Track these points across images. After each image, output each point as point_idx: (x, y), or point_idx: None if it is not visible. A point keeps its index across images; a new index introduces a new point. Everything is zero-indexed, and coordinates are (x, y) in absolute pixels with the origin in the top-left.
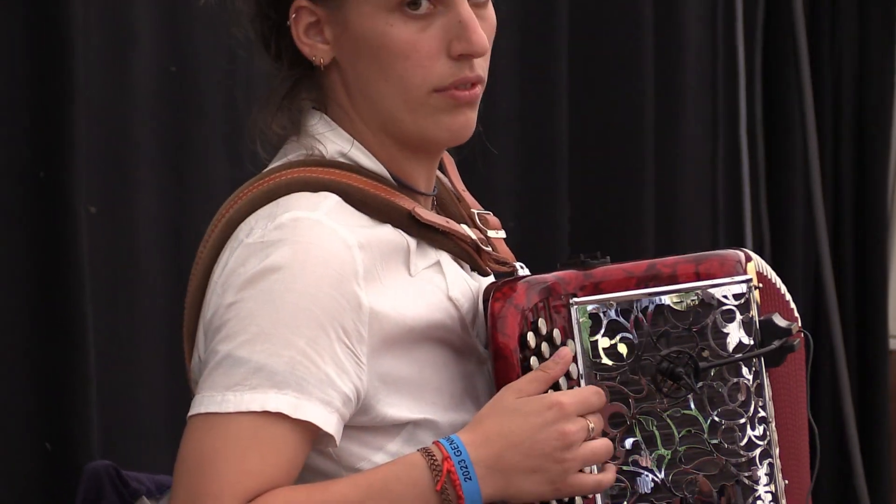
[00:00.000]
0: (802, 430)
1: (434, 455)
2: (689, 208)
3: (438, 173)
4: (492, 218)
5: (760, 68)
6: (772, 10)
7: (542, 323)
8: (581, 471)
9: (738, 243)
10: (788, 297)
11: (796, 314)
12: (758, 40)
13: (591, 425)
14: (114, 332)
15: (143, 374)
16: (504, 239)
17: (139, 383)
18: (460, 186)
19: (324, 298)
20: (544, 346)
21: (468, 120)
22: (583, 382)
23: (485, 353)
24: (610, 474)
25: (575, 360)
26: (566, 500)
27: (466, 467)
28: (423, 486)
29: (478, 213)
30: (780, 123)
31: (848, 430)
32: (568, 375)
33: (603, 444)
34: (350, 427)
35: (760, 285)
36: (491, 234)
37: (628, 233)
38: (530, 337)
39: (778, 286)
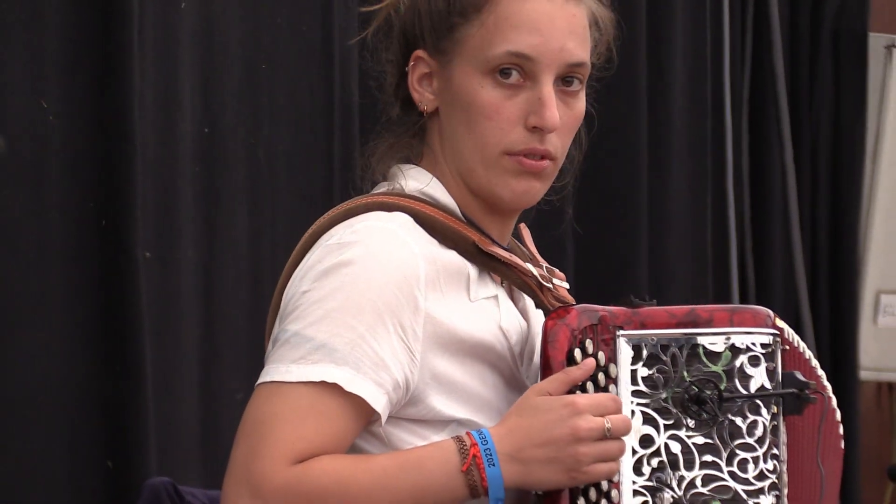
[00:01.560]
0: (811, 480)
1: (464, 441)
2: (680, 255)
3: (513, 240)
4: (558, 272)
5: (746, 129)
6: (756, 76)
7: (589, 344)
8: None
9: (725, 286)
10: (815, 363)
11: (824, 381)
12: (744, 103)
13: (608, 425)
14: (166, 363)
15: (186, 401)
16: (567, 289)
17: (188, 408)
18: (534, 250)
19: (386, 294)
20: (599, 375)
21: (531, 187)
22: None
23: (529, 385)
24: (616, 465)
25: (615, 382)
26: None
27: (491, 455)
28: (451, 466)
29: (545, 266)
30: (763, 178)
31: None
32: (597, 383)
33: (616, 443)
34: (402, 418)
35: (786, 347)
36: (556, 281)
37: (625, 278)
38: (577, 353)
39: (802, 351)
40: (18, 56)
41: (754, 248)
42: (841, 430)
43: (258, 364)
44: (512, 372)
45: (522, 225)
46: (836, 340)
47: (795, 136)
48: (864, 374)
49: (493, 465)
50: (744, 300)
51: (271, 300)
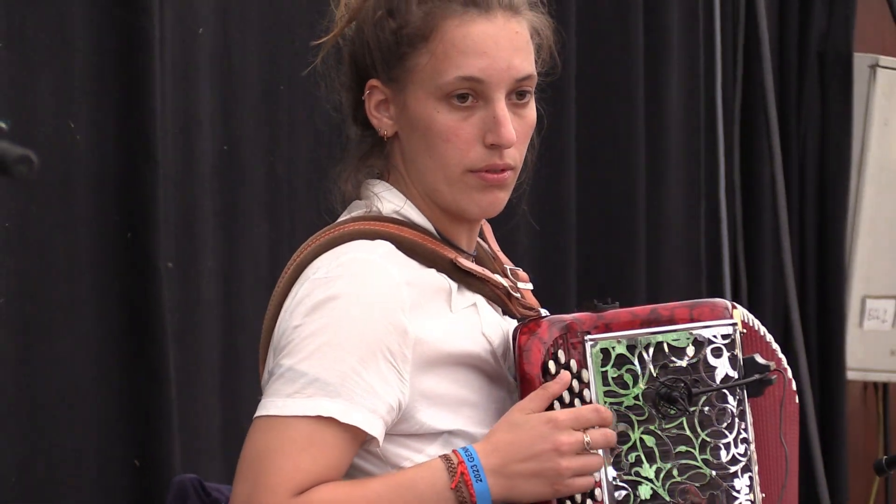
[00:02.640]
0: (776, 453)
1: (451, 460)
2: (675, 261)
3: (478, 239)
4: (521, 273)
5: (738, 142)
6: (747, 93)
7: (561, 354)
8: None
9: (718, 290)
10: (769, 338)
11: (779, 354)
12: (735, 118)
13: (588, 439)
14: (189, 367)
15: (208, 402)
16: (531, 290)
17: (211, 409)
18: (496, 247)
19: (374, 324)
20: (573, 382)
21: (496, 198)
22: (593, 403)
23: (514, 383)
24: (588, 481)
25: (588, 386)
26: (581, 501)
27: (478, 471)
28: (441, 485)
29: (510, 269)
30: (754, 188)
31: (812, 449)
32: (582, 399)
33: (595, 457)
34: (396, 434)
35: (745, 330)
36: (521, 285)
37: (624, 282)
38: (551, 365)
39: (760, 332)
40: (48, 81)
41: (746, 254)
42: (797, 400)
43: None
44: (495, 370)
45: (484, 223)
46: (824, 343)
47: (785, 150)
48: (850, 375)
49: (481, 480)
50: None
51: (271, 298)
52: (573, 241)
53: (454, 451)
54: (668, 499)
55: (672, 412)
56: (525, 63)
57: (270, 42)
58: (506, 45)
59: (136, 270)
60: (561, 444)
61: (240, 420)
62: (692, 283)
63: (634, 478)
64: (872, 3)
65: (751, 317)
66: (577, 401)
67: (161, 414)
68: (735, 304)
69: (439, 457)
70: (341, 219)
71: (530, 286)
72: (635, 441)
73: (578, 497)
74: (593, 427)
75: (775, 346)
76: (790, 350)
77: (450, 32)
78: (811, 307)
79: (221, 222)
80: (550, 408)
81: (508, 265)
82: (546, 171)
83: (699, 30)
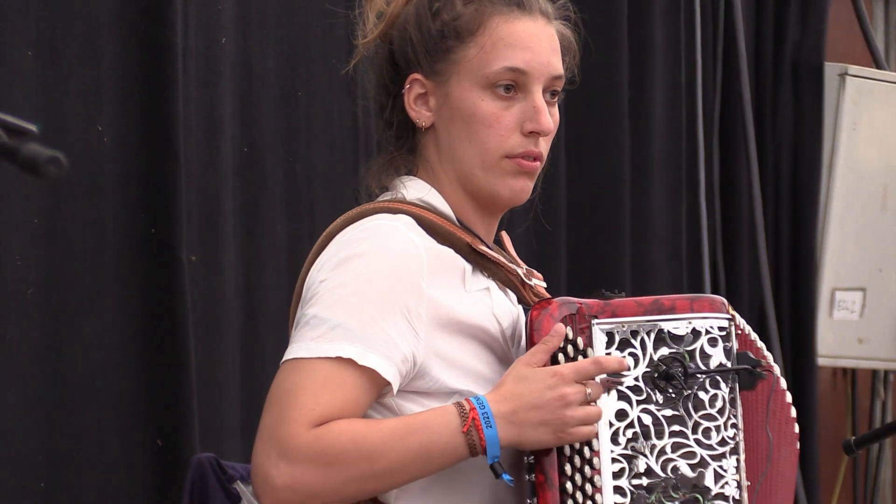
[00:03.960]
0: (761, 444)
1: (464, 406)
2: (659, 257)
3: (495, 245)
4: (536, 273)
5: (717, 147)
6: (726, 101)
7: (569, 331)
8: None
9: (698, 283)
10: (761, 344)
11: (770, 361)
12: (715, 124)
13: (589, 391)
14: (210, 353)
15: (228, 386)
16: (545, 288)
17: (230, 393)
18: (515, 255)
19: (393, 281)
20: (570, 348)
21: (525, 185)
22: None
23: None
24: (592, 429)
25: (580, 349)
26: (578, 467)
27: (488, 418)
28: (453, 427)
29: (526, 269)
30: (732, 189)
31: None
32: (572, 354)
33: (595, 408)
34: (410, 391)
35: (738, 332)
36: (535, 281)
37: (611, 275)
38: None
39: (751, 336)
40: (77, 87)
41: (724, 250)
42: (793, 413)
43: None
44: (504, 351)
45: (503, 233)
46: (797, 331)
47: (760, 153)
48: (821, 361)
49: (491, 426)
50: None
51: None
52: (563, 238)
53: (466, 399)
54: (661, 473)
55: (669, 390)
56: (559, 63)
57: (288, 50)
58: (546, 44)
59: (161, 264)
60: (566, 396)
61: (257, 404)
62: (674, 276)
63: (630, 452)
64: (842, 16)
65: (743, 321)
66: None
67: (182, 397)
68: (745, 310)
69: (453, 403)
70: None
71: (544, 284)
72: (633, 419)
73: (578, 462)
74: (593, 379)
75: (766, 352)
76: (766, 338)
77: (497, 28)
78: (785, 298)
79: (241, 219)
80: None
81: (524, 267)
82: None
83: (681, 42)
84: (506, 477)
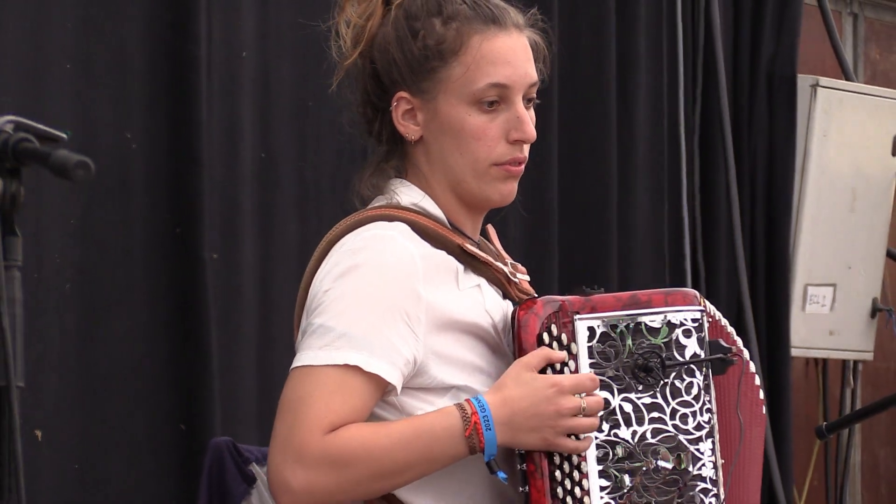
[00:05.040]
0: (734, 426)
1: (466, 410)
2: (643, 255)
3: (482, 238)
4: (520, 267)
5: (697, 152)
6: (705, 110)
7: (553, 328)
8: (569, 436)
9: (680, 280)
10: (730, 329)
11: (740, 345)
12: (695, 132)
13: (584, 405)
14: (229, 344)
15: (246, 375)
16: (528, 281)
17: (247, 381)
18: (499, 247)
19: (393, 289)
20: (555, 345)
21: (513, 188)
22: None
23: (511, 356)
24: (586, 443)
25: (576, 359)
26: (566, 456)
27: (488, 421)
28: (455, 430)
29: (511, 263)
30: (711, 192)
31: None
32: (568, 366)
33: (589, 420)
34: (412, 388)
35: (710, 320)
36: (519, 276)
37: (599, 272)
38: (545, 336)
39: (722, 322)
40: (108, 97)
41: (704, 248)
42: (761, 395)
43: None
44: (496, 343)
45: (489, 226)
46: (772, 324)
47: (737, 158)
48: (794, 352)
49: (490, 429)
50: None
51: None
52: (555, 237)
53: (468, 401)
54: (641, 457)
55: (649, 381)
56: (534, 71)
57: (302, 65)
58: (522, 55)
59: (184, 261)
60: (561, 408)
61: (273, 392)
62: (657, 273)
63: (613, 438)
64: (813, 32)
65: (714, 309)
66: (566, 370)
67: (204, 385)
68: (721, 303)
69: (455, 405)
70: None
71: (527, 278)
72: (615, 407)
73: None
74: (589, 393)
75: (736, 336)
76: (743, 331)
77: (479, 47)
78: (760, 294)
79: (259, 219)
80: (544, 372)
81: (509, 261)
82: (533, 176)
83: (664, 57)
84: (501, 475)
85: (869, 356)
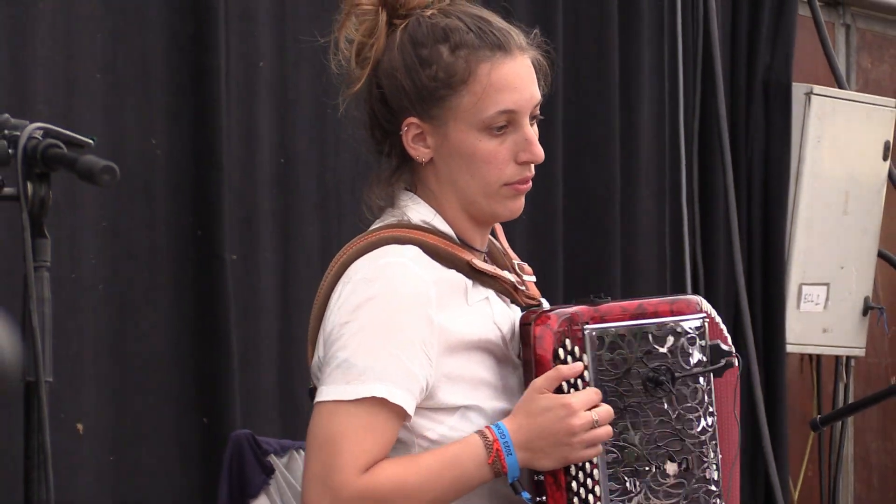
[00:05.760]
0: (730, 418)
1: (488, 437)
2: (645, 256)
3: (490, 237)
4: (527, 267)
5: (697, 158)
6: (704, 117)
7: (568, 342)
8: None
9: (680, 279)
10: (723, 326)
11: (729, 341)
12: (694, 138)
13: (596, 417)
14: (249, 342)
15: (264, 371)
16: (534, 282)
17: (266, 377)
18: (506, 245)
19: (408, 318)
20: (569, 359)
21: (521, 204)
22: (590, 380)
23: (517, 361)
24: (598, 449)
25: (586, 367)
26: (580, 465)
27: (509, 446)
28: (480, 460)
29: (517, 263)
30: (710, 196)
31: (758, 410)
32: (581, 378)
33: (602, 430)
34: (422, 408)
35: (709, 319)
36: (525, 278)
37: (602, 273)
38: (560, 352)
39: (717, 320)
40: (133, 105)
41: (703, 250)
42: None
43: None
44: (504, 354)
45: (497, 225)
46: (768, 322)
47: (735, 163)
48: (790, 348)
49: (511, 454)
50: (694, 291)
51: (318, 288)
52: (561, 239)
53: (489, 429)
54: (649, 461)
55: (659, 393)
56: (538, 91)
57: (319, 73)
58: (527, 78)
59: (206, 262)
60: (574, 427)
61: (291, 387)
62: (658, 273)
63: (622, 443)
64: (808, 42)
65: (710, 307)
66: (578, 380)
67: (225, 381)
68: (702, 298)
69: (477, 433)
70: (375, 225)
71: (533, 279)
72: (623, 413)
73: None
74: (599, 406)
75: (727, 333)
76: (740, 328)
77: (487, 75)
78: (757, 293)
79: (278, 222)
80: (559, 389)
81: (516, 260)
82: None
83: (665, 66)
84: (525, 495)
85: (861, 352)
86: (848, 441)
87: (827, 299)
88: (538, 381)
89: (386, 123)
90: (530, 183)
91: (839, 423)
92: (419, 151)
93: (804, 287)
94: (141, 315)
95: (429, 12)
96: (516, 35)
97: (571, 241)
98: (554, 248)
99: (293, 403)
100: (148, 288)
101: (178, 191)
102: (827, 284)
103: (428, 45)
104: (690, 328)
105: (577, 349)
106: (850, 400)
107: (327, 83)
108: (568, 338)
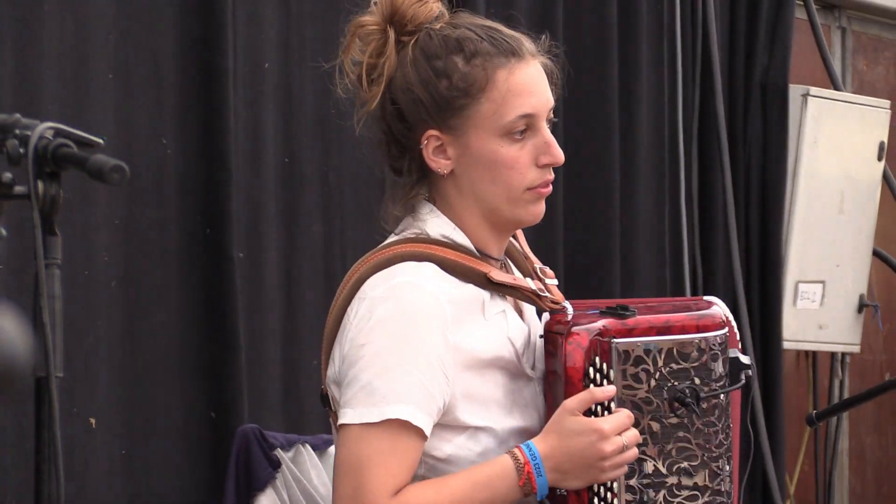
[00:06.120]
0: (736, 425)
1: (519, 459)
2: (645, 253)
3: (511, 239)
4: (548, 270)
5: (696, 158)
6: (703, 118)
7: (597, 359)
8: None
9: (679, 277)
10: (736, 330)
11: (738, 343)
12: (693, 138)
13: (625, 441)
14: (256, 338)
15: (271, 367)
16: (557, 285)
17: (273, 373)
18: (527, 249)
19: (425, 338)
20: (598, 377)
21: (543, 208)
22: (614, 398)
23: (531, 374)
24: (623, 469)
25: (612, 381)
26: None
27: (539, 468)
28: (511, 480)
29: (539, 267)
30: (708, 195)
31: (755, 406)
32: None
33: (630, 454)
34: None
35: (729, 330)
36: (548, 281)
37: (603, 271)
38: (591, 371)
39: (733, 324)
40: (144, 106)
41: (701, 248)
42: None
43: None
44: (517, 367)
45: (518, 230)
46: (765, 319)
47: (733, 164)
48: (786, 345)
49: (541, 475)
50: (693, 289)
51: (334, 300)
52: (560, 238)
53: (520, 450)
54: (666, 474)
55: (681, 413)
56: (550, 93)
57: (322, 74)
58: (542, 82)
59: (214, 260)
60: (605, 452)
61: (297, 382)
62: (658, 271)
63: (641, 456)
64: (805, 44)
65: (727, 309)
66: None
67: (233, 376)
68: (719, 303)
69: (508, 454)
70: (392, 238)
71: (555, 282)
72: (643, 426)
73: None
74: (628, 429)
75: (738, 336)
76: (738, 325)
77: (504, 81)
78: (754, 290)
79: (283, 221)
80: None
81: (537, 264)
82: None
83: (664, 67)
84: None
85: (856, 349)
86: (843, 436)
87: (823, 297)
88: (570, 403)
89: (403, 139)
90: (551, 187)
91: (834, 419)
92: (440, 164)
93: (800, 285)
94: (151, 311)
95: (437, 25)
96: (527, 41)
97: (571, 240)
98: (554, 247)
99: (299, 399)
100: (158, 285)
101: (187, 190)
102: (823, 282)
103: (442, 57)
104: (714, 344)
105: (604, 365)
106: (846, 396)
107: (329, 85)
108: (597, 355)
